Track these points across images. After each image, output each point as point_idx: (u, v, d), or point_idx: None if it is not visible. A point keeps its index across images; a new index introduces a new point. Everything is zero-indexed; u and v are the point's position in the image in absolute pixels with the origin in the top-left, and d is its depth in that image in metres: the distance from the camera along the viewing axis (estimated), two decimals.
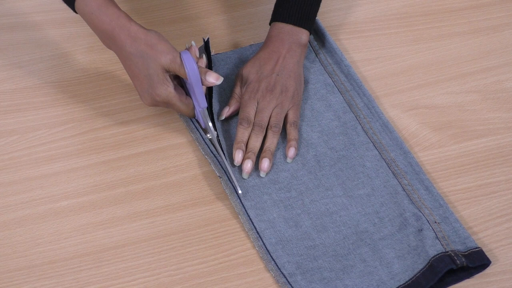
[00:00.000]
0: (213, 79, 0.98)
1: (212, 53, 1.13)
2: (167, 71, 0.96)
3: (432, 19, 1.23)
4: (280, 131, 1.02)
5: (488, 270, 0.91)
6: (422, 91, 1.12)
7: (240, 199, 0.96)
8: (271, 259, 0.92)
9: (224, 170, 0.99)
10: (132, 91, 1.09)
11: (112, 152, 1.03)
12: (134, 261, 0.92)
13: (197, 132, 1.03)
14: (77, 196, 0.98)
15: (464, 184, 1.00)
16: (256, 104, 1.03)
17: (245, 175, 0.99)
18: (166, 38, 0.97)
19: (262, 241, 0.93)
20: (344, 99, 1.09)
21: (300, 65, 1.07)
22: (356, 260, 0.92)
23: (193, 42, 1.03)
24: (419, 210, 0.95)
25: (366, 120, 1.06)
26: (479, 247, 0.92)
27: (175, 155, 1.02)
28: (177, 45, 1.11)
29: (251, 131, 1.01)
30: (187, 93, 1.01)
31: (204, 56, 1.04)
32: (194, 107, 1.01)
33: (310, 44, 1.16)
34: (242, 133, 1.01)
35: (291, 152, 1.01)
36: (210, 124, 1.01)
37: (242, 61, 1.13)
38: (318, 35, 1.17)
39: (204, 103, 1.00)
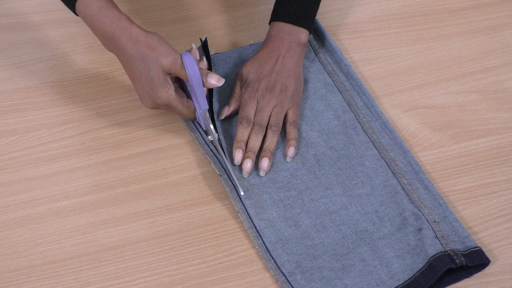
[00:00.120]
0: (215, 80, 0.98)
1: (212, 52, 1.12)
2: (168, 73, 0.96)
3: (432, 19, 1.22)
4: (280, 131, 1.02)
5: (487, 270, 0.91)
6: (422, 91, 1.11)
7: (240, 198, 0.96)
8: (271, 258, 0.91)
9: (225, 170, 0.99)
10: (132, 91, 1.09)
11: (112, 152, 1.03)
12: (134, 261, 0.92)
13: (197, 131, 1.03)
14: (77, 196, 0.98)
15: (464, 184, 1.00)
16: (256, 103, 1.03)
17: (245, 175, 0.99)
18: (166, 38, 0.97)
19: (262, 240, 0.93)
20: (344, 99, 1.09)
21: (299, 64, 1.07)
22: (356, 260, 0.92)
23: (193, 45, 1.03)
24: (419, 210, 0.95)
25: (366, 120, 1.06)
26: (478, 247, 0.92)
27: (175, 155, 1.02)
28: (177, 45, 1.11)
29: (251, 130, 1.01)
30: (188, 96, 1.01)
31: (204, 58, 1.04)
32: (195, 110, 1.01)
33: (310, 44, 1.16)
34: (242, 133, 1.01)
35: (291, 151, 1.01)
36: (211, 126, 1.01)
37: (242, 61, 1.13)
38: (318, 35, 1.17)
39: (205, 105, 1.00)
